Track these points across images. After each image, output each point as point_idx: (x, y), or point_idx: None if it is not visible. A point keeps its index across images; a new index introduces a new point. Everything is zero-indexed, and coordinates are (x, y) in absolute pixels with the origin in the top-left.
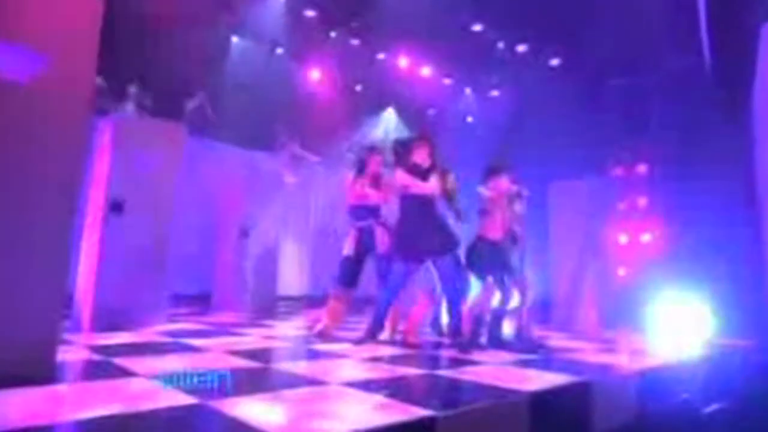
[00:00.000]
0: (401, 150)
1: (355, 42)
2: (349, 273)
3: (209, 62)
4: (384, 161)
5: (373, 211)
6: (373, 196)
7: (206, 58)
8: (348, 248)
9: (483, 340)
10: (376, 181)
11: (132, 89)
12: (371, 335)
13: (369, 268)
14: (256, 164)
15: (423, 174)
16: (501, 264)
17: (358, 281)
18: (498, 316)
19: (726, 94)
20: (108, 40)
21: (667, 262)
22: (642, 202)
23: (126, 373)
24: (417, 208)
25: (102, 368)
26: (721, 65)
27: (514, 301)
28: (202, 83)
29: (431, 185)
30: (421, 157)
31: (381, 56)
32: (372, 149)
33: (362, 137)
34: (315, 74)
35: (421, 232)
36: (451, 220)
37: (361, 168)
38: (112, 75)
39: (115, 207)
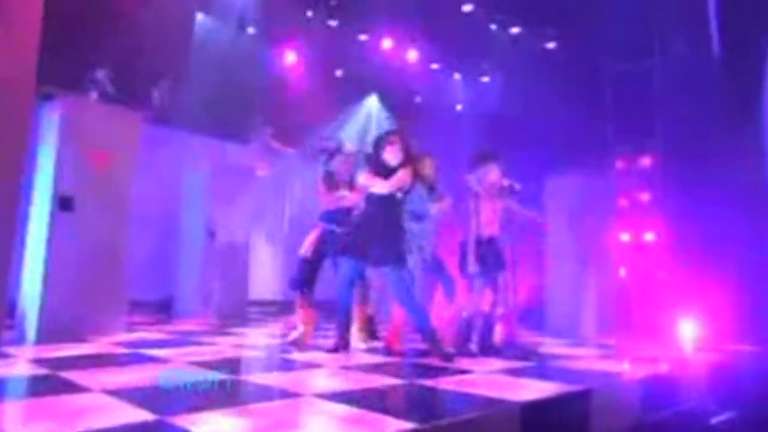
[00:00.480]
0: (373, 149)
1: (333, 22)
2: (305, 276)
3: (172, 41)
4: (349, 161)
5: (350, 214)
6: (348, 199)
7: (166, 37)
8: (305, 249)
9: (474, 346)
10: (350, 184)
11: (99, 74)
12: (342, 342)
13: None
14: (225, 155)
15: (391, 172)
16: (493, 263)
17: (314, 285)
18: (490, 320)
19: (736, 85)
20: (55, 22)
21: (672, 262)
22: (645, 197)
23: (75, 388)
24: (375, 208)
25: (48, 383)
26: (730, 59)
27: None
28: (164, 66)
29: (387, 183)
30: (391, 153)
31: (363, 38)
32: (335, 151)
33: (337, 130)
34: (290, 57)
35: (368, 236)
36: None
37: (330, 182)
38: (65, 60)
39: (63, 203)
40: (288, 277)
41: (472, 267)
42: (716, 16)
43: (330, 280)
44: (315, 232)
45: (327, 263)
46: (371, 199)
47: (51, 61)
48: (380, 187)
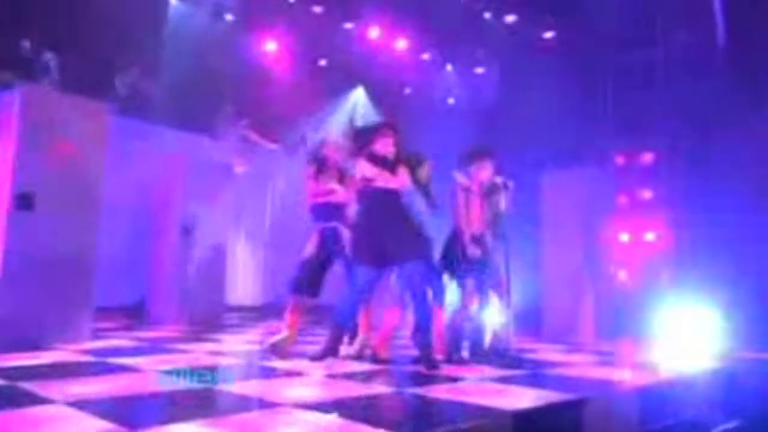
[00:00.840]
0: (361, 139)
1: (318, 9)
2: (308, 278)
3: (142, 27)
4: (341, 149)
5: (340, 210)
6: (340, 193)
7: (139, 23)
8: (309, 250)
9: (465, 353)
10: (341, 176)
11: (49, 59)
12: (331, 351)
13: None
14: (201, 150)
15: (389, 166)
16: (480, 264)
17: (320, 289)
18: (481, 324)
19: (741, 74)
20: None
21: (675, 264)
22: (646, 195)
23: (36, 399)
24: (382, 203)
25: (5, 394)
26: (735, 47)
27: (497, 311)
28: (133, 54)
29: (400, 179)
30: (384, 147)
31: (348, 26)
32: (327, 137)
33: (321, 123)
34: (271, 46)
35: (387, 233)
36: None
37: (320, 166)
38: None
39: (23, 201)
40: (275, 281)
41: (473, 250)
42: (720, 4)
43: (330, 285)
44: (315, 235)
45: (336, 266)
46: (373, 193)
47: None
48: (391, 181)
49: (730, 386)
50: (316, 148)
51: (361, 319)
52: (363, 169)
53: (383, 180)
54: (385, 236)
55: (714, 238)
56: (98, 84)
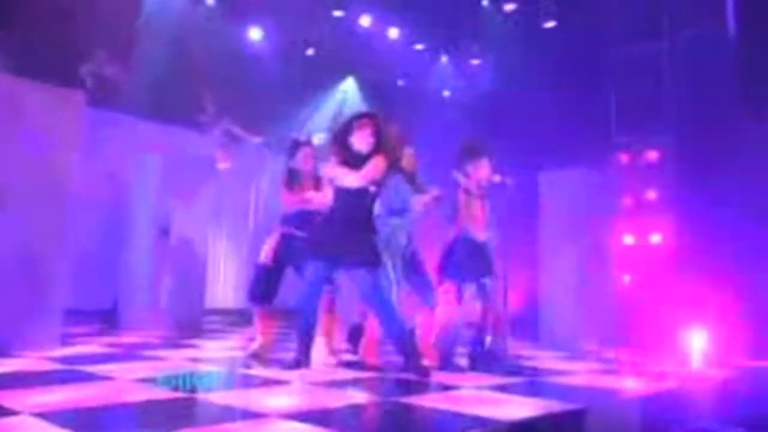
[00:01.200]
0: (339, 134)
1: None
2: (264, 284)
3: (107, 10)
4: (314, 155)
5: (314, 216)
6: (317, 199)
7: (102, 4)
8: (265, 255)
9: (464, 360)
10: (316, 182)
11: None
12: (304, 357)
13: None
14: (179, 144)
15: (362, 161)
16: (484, 268)
17: (275, 294)
18: (481, 330)
19: (755, 67)
20: None
21: (680, 268)
22: (651, 195)
23: None
24: (345, 203)
25: None
26: (749, 37)
27: (495, 316)
28: (103, 39)
29: (358, 175)
30: (362, 140)
31: (338, 13)
32: (297, 144)
33: (307, 117)
34: (255, 34)
35: (338, 234)
36: (416, 202)
37: (291, 179)
38: None
39: None
40: (246, 287)
41: (482, 234)
42: None
43: (295, 284)
44: (274, 236)
45: (289, 270)
46: (340, 193)
47: None
48: (350, 179)
49: (735, 395)
50: (289, 155)
51: (327, 326)
52: (325, 170)
53: (345, 180)
54: (339, 235)
55: (720, 240)
56: (59, 70)
